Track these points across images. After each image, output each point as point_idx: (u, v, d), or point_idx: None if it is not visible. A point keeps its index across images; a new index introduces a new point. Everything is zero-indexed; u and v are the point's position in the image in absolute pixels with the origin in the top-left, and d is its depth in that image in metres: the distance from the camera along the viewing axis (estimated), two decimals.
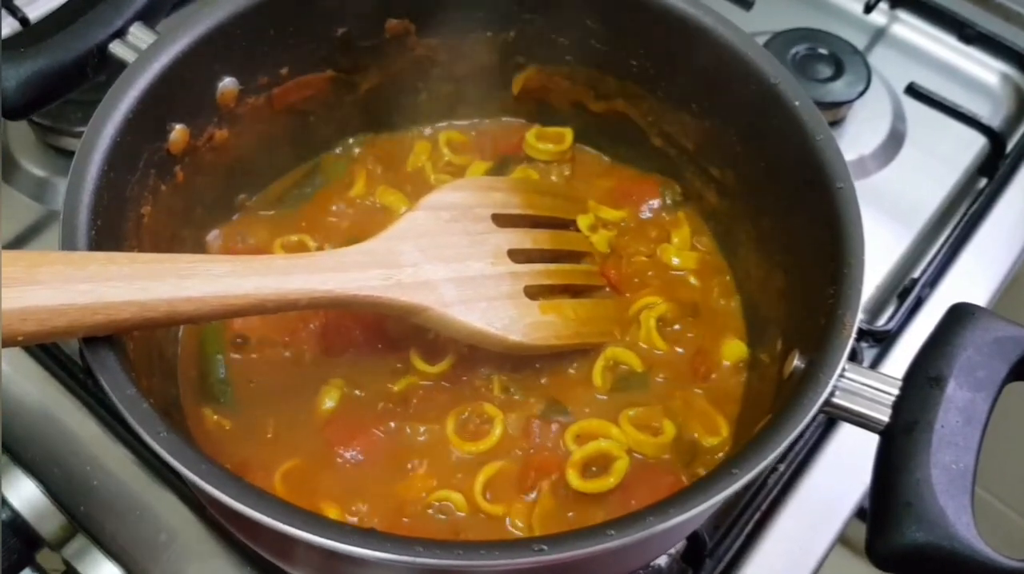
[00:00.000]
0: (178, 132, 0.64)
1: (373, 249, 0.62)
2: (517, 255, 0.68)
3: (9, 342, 0.47)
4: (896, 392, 0.53)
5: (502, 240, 0.68)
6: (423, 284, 0.62)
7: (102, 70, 0.64)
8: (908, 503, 0.49)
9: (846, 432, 0.76)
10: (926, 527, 0.48)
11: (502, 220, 0.69)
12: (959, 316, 0.55)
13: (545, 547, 0.45)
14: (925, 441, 0.51)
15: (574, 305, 0.70)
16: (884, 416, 0.53)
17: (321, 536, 0.45)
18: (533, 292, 0.68)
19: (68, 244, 0.55)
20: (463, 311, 0.63)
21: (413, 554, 0.45)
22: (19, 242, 0.84)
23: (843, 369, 0.53)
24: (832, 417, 0.57)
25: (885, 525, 0.49)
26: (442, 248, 0.64)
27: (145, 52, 0.62)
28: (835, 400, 0.53)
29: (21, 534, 0.73)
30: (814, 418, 0.51)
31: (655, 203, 0.78)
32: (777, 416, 0.52)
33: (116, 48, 0.64)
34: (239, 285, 0.54)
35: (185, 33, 0.62)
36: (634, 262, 0.75)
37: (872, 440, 0.54)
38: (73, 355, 0.74)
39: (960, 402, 0.52)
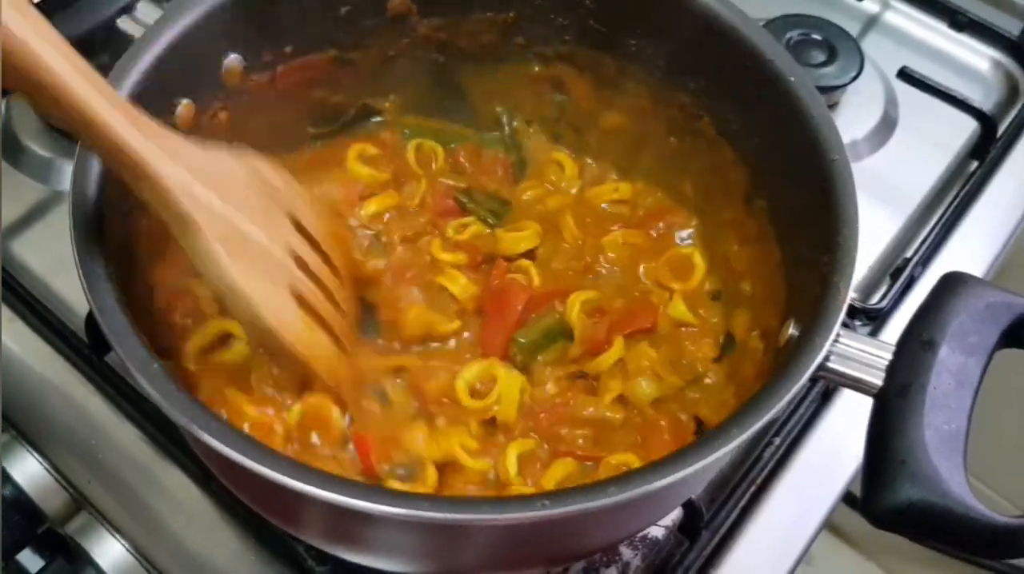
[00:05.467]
0: (184, 108, 0.65)
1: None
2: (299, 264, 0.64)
3: None
4: (889, 356, 0.54)
5: (295, 241, 0.63)
6: (206, 208, 0.56)
7: (109, 45, 0.65)
8: (902, 462, 0.50)
9: (841, 408, 0.78)
10: (920, 484, 0.49)
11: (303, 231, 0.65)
12: (952, 284, 0.56)
13: (548, 502, 0.46)
14: (918, 402, 0.51)
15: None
16: (878, 380, 0.54)
17: (325, 490, 0.46)
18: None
19: (79, 225, 0.55)
20: (229, 258, 0.57)
21: (418, 508, 0.45)
22: (24, 223, 0.84)
23: (837, 334, 0.54)
24: (827, 382, 0.57)
25: (880, 484, 0.50)
26: (239, 199, 0.59)
27: (152, 26, 0.62)
28: (830, 365, 0.54)
29: (24, 511, 0.73)
30: (809, 380, 0.52)
31: None
32: (773, 379, 0.53)
33: (124, 23, 0.65)
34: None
35: (192, 8, 0.63)
36: None
37: (867, 414, 0.55)
38: (79, 331, 0.75)
39: (952, 366, 0.53)
